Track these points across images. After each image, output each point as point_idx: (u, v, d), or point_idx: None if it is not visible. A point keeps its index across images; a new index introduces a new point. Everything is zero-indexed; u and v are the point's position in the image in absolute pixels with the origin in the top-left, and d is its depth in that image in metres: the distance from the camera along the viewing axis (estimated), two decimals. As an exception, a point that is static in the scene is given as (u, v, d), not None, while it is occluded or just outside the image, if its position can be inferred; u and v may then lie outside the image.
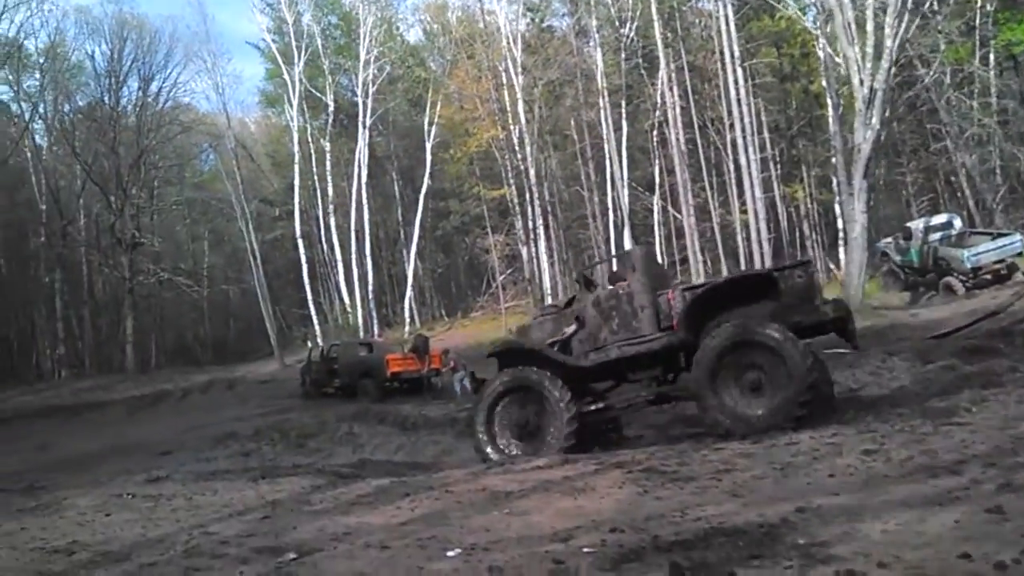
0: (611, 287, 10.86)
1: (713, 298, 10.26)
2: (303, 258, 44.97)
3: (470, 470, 9.75)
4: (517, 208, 41.89)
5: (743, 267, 36.78)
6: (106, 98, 46.83)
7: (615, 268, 11.27)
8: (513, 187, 41.45)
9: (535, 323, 11.84)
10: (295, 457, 15.04)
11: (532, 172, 40.68)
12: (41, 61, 47.83)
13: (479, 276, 54.48)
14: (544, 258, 41.03)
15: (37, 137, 51.20)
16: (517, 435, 10.66)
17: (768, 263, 34.49)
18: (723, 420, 9.59)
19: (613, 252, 35.86)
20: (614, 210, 40.81)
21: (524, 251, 41.99)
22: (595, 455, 9.45)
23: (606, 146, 40.35)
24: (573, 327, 10.82)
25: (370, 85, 44.47)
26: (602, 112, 39.79)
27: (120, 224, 45.47)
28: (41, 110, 49.41)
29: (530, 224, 42.06)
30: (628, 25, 41.24)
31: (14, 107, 49.99)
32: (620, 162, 39.79)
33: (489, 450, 10.68)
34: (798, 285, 9.91)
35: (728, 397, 9.58)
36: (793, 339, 9.37)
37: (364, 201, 45.07)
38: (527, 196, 41.62)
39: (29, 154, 49.90)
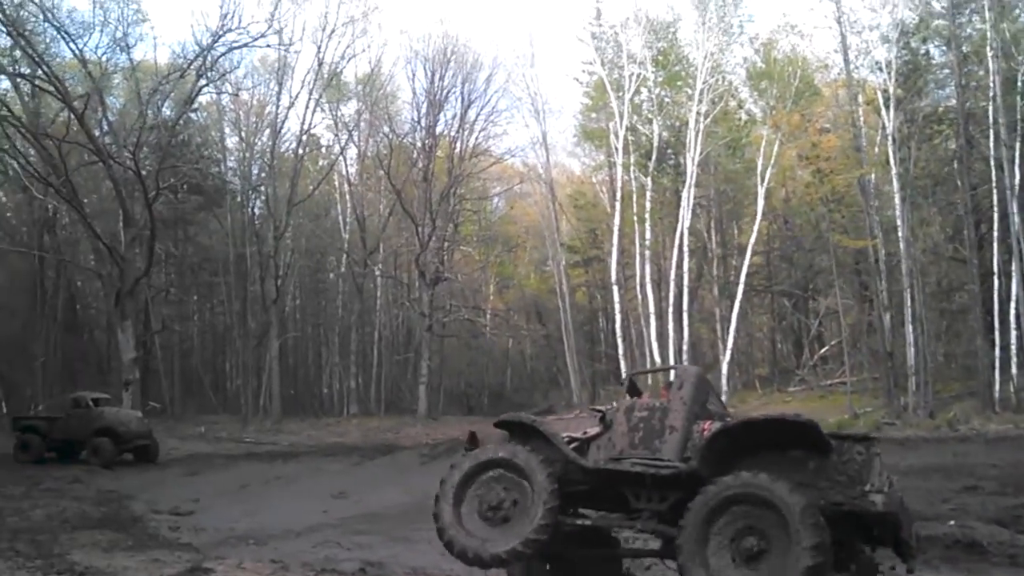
0: (648, 399, 9.84)
1: (746, 439, 8.57)
2: (617, 307, 40.72)
3: None
4: (880, 266, 35.02)
5: None
6: (422, 122, 45.42)
7: (671, 379, 9.88)
8: (879, 239, 34.72)
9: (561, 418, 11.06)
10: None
11: (902, 225, 33.95)
12: (359, 88, 47.29)
13: (795, 343, 48.43)
14: (909, 331, 33.62)
15: (347, 165, 50.89)
16: (484, 518, 9.19)
17: None
18: None
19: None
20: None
21: (885, 319, 34.83)
22: None
23: (995, 196, 32.74)
24: (597, 428, 9.59)
25: (702, 119, 39.89)
26: (992, 154, 32.58)
27: (423, 258, 43.45)
28: (355, 138, 48.95)
29: (882, 288, 35.12)
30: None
31: (328, 136, 49.94)
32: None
33: (451, 530, 9.05)
34: (853, 461, 8.25)
35: (718, 564, 7.91)
36: (806, 501, 7.65)
37: (685, 248, 40.33)
38: (882, 254, 35.00)
39: (337, 182, 49.52)
